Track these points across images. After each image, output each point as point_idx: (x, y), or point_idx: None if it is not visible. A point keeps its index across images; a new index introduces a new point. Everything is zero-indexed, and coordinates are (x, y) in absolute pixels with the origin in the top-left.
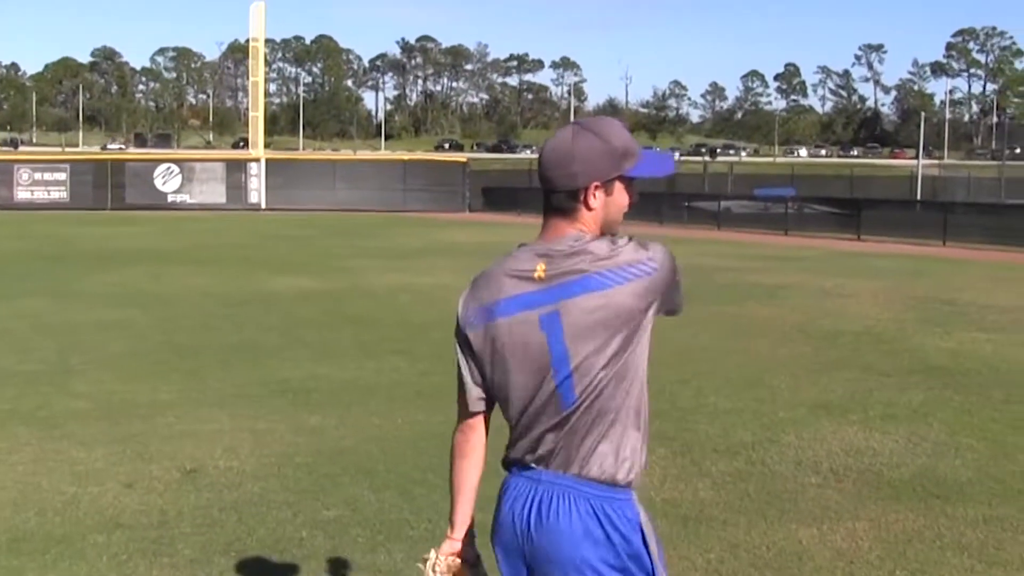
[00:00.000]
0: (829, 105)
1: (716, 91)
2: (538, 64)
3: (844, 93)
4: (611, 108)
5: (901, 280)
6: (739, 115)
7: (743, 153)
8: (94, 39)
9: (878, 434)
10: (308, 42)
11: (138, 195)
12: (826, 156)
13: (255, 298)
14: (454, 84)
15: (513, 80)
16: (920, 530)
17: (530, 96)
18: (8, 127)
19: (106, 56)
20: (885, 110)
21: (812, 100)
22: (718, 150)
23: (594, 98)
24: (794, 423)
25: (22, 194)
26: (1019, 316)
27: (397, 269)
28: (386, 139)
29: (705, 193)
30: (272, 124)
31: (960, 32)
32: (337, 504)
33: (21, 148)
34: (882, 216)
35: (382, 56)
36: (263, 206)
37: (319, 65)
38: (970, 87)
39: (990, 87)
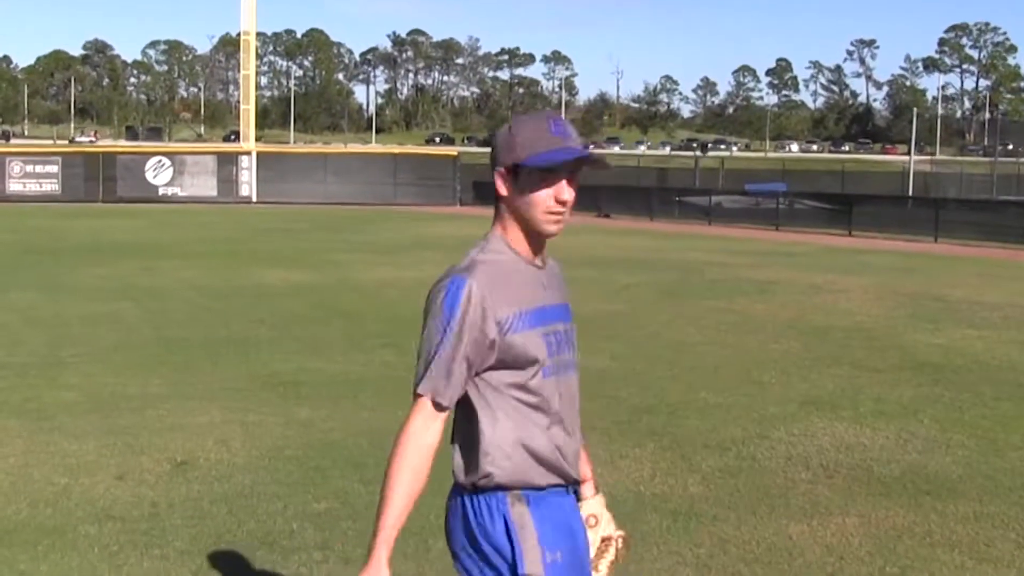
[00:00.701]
0: (821, 100)
1: (707, 86)
2: (529, 58)
3: (836, 88)
4: (602, 102)
5: (892, 276)
6: (730, 110)
7: (734, 148)
8: (86, 32)
9: (868, 430)
10: (299, 35)
11: (129, 188)
12: (817, 152)
13: (245, 291)
14: (445, 78)
15: (504, 74)
16: (910, 526)
17: (521, 90)
18: (1, 120)
19: (98, 49)
20: (877, 106)
21: (804, 95)
22: (709, 145)
23: (585, 92)
24: (784, 419)
25: (14, 186)
26: (1010, 313)
27: (387, 263)
28: (377, 133)
29: (696, 188)
30: (263, 117)
31: (953, 28)
32: (327, 496)
33: (13, 141)
34: (873, 212)
35: (373, 50)
36: (254, 199)
37: (310, 58)
38: (963, 83)
39: (983, 83)
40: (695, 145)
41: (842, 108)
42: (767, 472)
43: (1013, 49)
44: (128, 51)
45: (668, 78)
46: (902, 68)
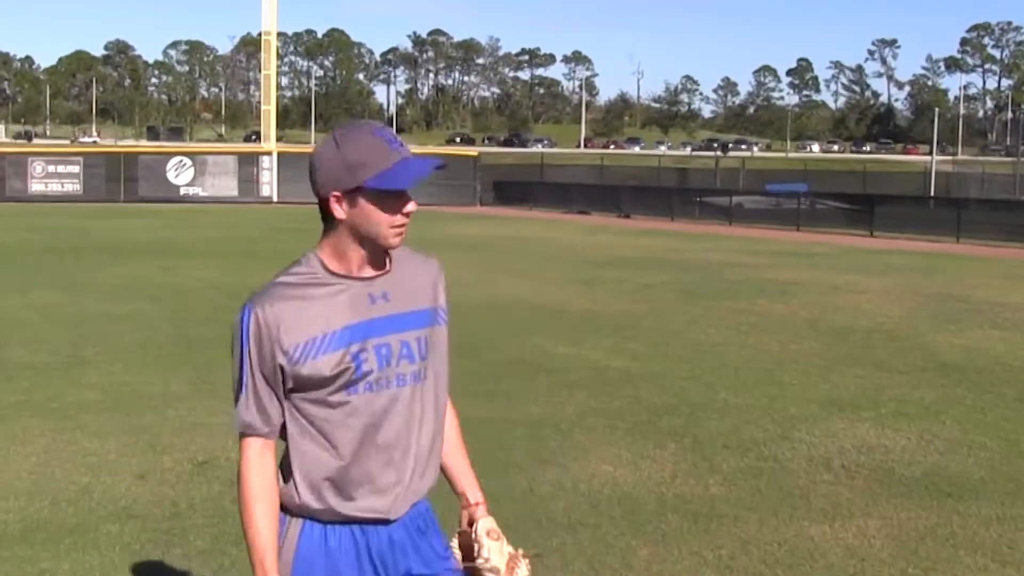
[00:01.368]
0: (842, 100)
1: (728, 86)
2: (550, 58)
3: (857, 88)
4: (623, 103)
5: (914, 277)
6: (751, 110)
7: (755, 148)
8: (107, 33)
9: (890, 431)
10: (320, 36)
11: (151, 188)
12: (839, 152)
13: None
14: (466, 78)
15: (525, 74)
16: (932, 528)
17: (542, 91)
18: (22, 120)
19: (119, 49)
20: (898, 105)
21: (825, 95)
22: (730, 145)
23: (605, 93)
24: (806, 420)
25: (36, 186)
26: None
27: None
28: (398, 133)
29: (717, 188)
30: (284, 117)
31: (975, 27)
32: None
33: (35, 141)
34: (895, 212)
35: (394, 50)
36: (275, 199)
37: (331, 59)
38: (984, 82)
39: (1005, 83)
40: (716, 145)
41: (863, 108)
42: (788, 473)
43: None
44: (149, 52)
45: (689, 78)
46: (924, 68)
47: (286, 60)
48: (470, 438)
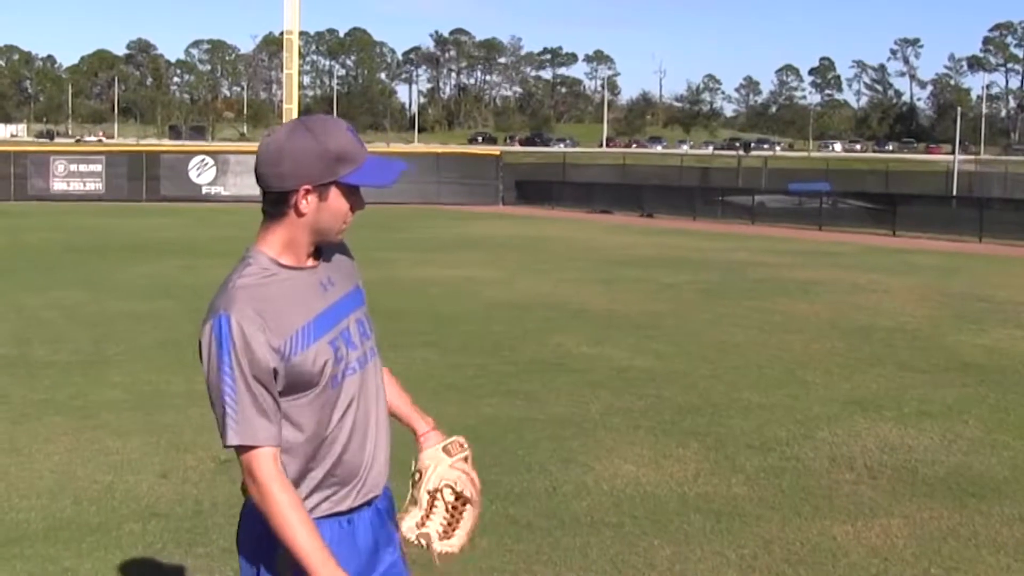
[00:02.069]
0: (864, 100)
1: (750, 85)
2: (572, 58)
3: (879, 87)
4: (645, 102)
5: (936, 276)
6: (773, 109)
7: (777, 148)
8: (129, 32)
9: (913, 431)
10: (342, 35)
11: (173, 187)
12: (861, 151)
13: None
14: (488, 77)
15: (547, 74)
16: (955, 528)
17: (563, 90)
18: (44, 119)
19: (141, 48)
20: (921, 105)
21: (847, 94)
22: (752, 144)
23: (627, 92)
24: (828, 419)
25: (58, 185)
26: None
27: (429, 262)
28: (419, 132)
29: (739, 187)
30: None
31: (997, 26)
32: None
33: (57, 140)
34: (917, 212)
35: (416, 49)
36: None
37: (353, 58)
38: (1007, 82)
39: None
40: (738, 144)
41: (886, 107)
42: (811, 473)
43: None
44: (171, 51)
45: (711, 77)
46: (946, 67)
47: (308, 59)
48: (493, 437)
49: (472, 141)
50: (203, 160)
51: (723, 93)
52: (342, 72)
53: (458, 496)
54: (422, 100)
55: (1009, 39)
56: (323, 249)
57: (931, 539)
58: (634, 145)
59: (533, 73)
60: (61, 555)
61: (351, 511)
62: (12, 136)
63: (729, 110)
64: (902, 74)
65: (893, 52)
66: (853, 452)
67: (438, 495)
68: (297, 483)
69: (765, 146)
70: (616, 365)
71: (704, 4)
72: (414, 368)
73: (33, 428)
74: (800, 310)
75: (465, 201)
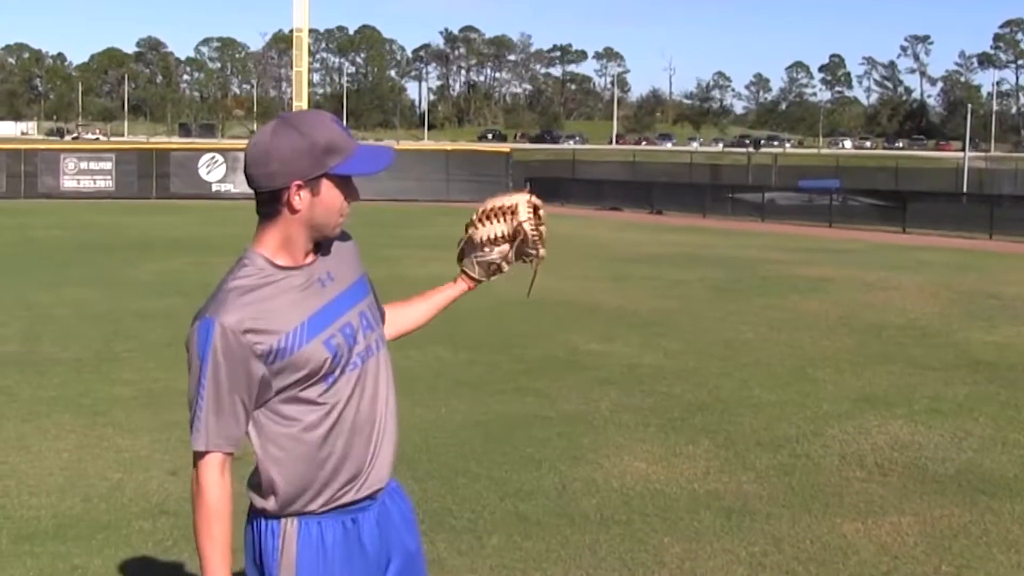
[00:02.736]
0: (874, 96)
1: (760, 82)
2: (581, 55)
3: (890, 84)
4: (654, 99)
5: (946, 273)
6: (783, 106)
7: (787, 144)
8: (139, 30)
9: (923, 428)
10: (351, 32)
11: (183, 184)
12: (871, 148)
13: None
14: (497, 75)
15: (556, 71)
16: (966, 525)
17: (573, 87)
18: (54, 117)
19: (151, 46)
20: (931, 102)
21: (857, 91)
22: (762, 141)
23: (637, 89)
24: (838, 416)
25: (68, 183)
26: None
27: (439, 259)
28: (429, 129)
29: (749, 185)
30: None
31: (1008, 23)
32: None
33: (67, 137)
34: (927, 209)
35: (425, 46)
36: None
37: (362, 55)
38: (1018, 78)
39: None
40: (748, 142)
41: (896, 104)
42: (821, 470)
43: None
44: (181, 48)
45: (721, 74)
46: (956, 64)
47: (318, 57)
48: (503, 435)
49: (482, 138)
50: (213, 158)
51: (733, 90)
52: (352, 70)
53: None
54: (432, 97)
55: (1020, 36)
56: (322, 243)
57: (942, 537)
58: (644, 142)
59: (543, 70)
60: (71, 552)
61: (354, 504)
62: (23, 134)
63: (739, 107)
64: (912, 71)
65: (903, 49)
66: (863, 449)
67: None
68: (303, 486)
69: (775, 143)
70: (626, 362)
71: (714, 1)
72: (425, 365)
73: (43, 425)
74: (810, 307)
75: (475, 198)
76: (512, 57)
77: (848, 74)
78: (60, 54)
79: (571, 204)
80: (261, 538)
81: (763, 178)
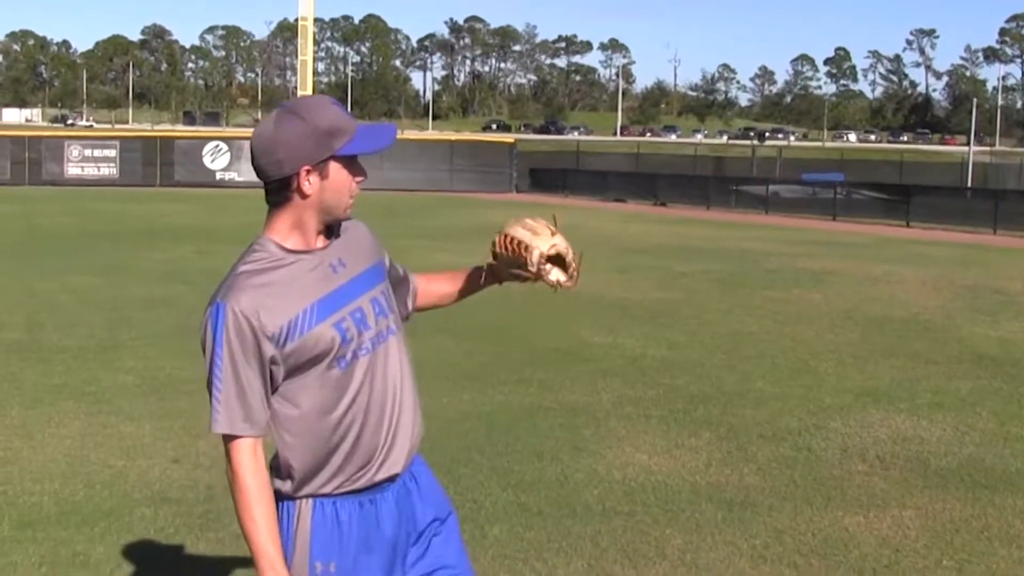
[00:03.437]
0: (879, 90)
1: (765, 75)
2: (586, 46)
3: (895, 78)
4: (659, 91)
5: (950, 268)
6: (788, 99)
7: (792, 137)
8: (144, 17)
9: (926, 422)
10: (356, 21)
11: (187, 172)
12: (876, 142)
13: None
14: (502, 65)
15: (561, 62)
16: (968, 520)
17: (578, 78)
18: (59, 104)
19: (156, 34)
20: (936, 96)
21: (862, 85)
22: (767, 134)
23: (642, 81)
24: (841, 410)
25: (72, 170)
26: None
27: (443, 249)
28: (434, 119)
29: (753, 177)
30: None
31: (1014, 17)
32: None
33: (74, 124)
34: (932, 203)
35: (430, 36)
36: None
37: (367, 45)
38: (1023, 73)
39: None
40: (752, 134)
41: (901, 98)
42: (823, 463)
43: None
44: (186, 36)
45: (726, 66)
46: (962, 58)
47: (323, 46)
48: (505, 425)
49: (486, 129)
50: (217, 146)
51: (738, 83)
52: (356, 59)
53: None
54: (436, 87)
55: None
56: (336, 230)
57: (943, 531)
58: (648, 134)
59: (548, 61)
60: (73, 539)
61: (370, 488)
62: (27, 120)
63: (744, 100)
64: (918, 65)
65: (909, 43)
66: (865, 443)
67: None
68: (315, 469)
69: (780, 136)
70: (629, 354)
71: None
72: (429, 355)
73: (46, 413)
74: (814, 300)
75: (479, 189)
76: (517, 47)
77: (853, 67)
78: (65, 41)
79: (575, 195)
80: (279, 519)
81: (767, 171)
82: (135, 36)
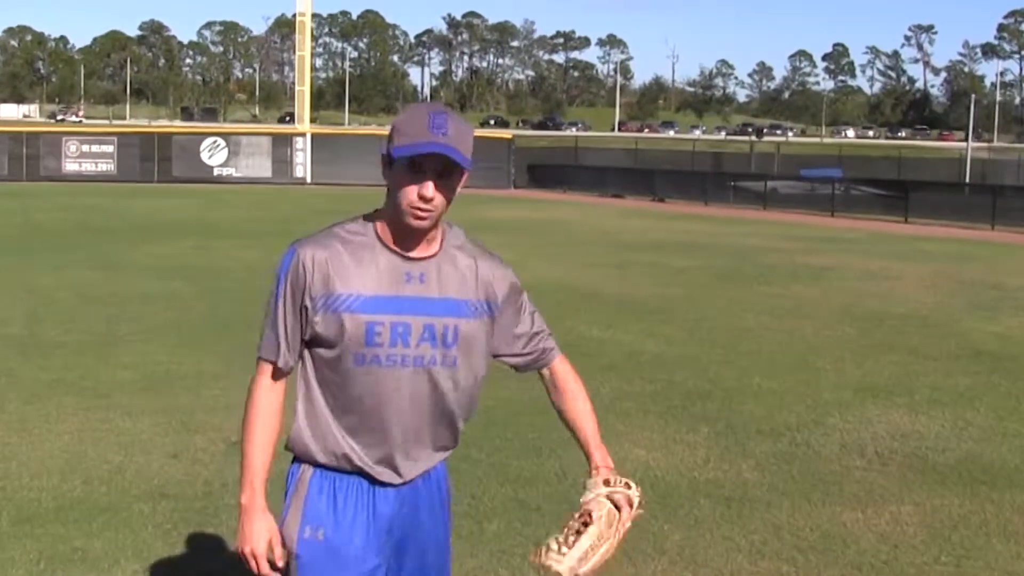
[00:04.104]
0: (878, 86)
1: (763, 71)
2: (584, 42)
3: (893, 74)
4: (657, 87)
5: (948, 264)
6: (786, 95)
7: (790, 133)
8: (142, 13)
9: (924, 418)
10: (354, 17)
11: (185, 168)
12: (874, 137)
13: None
14: (500, 61)
15: (559, 57)
16: (966, 515)
17: (576, 74)
18: (56, 100)
19: (154, 30)
20: (934, 92)
21: (860, 81)
22: (765, 130)
23: (640, 76)
24: (839, 405)
25: (70, 166)
26: None
27: None
28: None
29: (751, 173)
30: (318, 99)
31: (1012, 13)
32: None
33: (63, 120)
34: (930, 199)
35: (428, 32)
36: (308, 180)
37: (365, 40)
38: (1021, 69)
39: None
40: (750, 130)
41: (899, 94)
42: (821, 459)
43: None
44: (184, 32)
45: (724, 62)
46: (960, 54)
47: (321, 41)
48: (504, 420)
49: (484, 124)
50: (215, 142)
51: (736, 78)
52: (354, 54)
53: (585, 515)
54: (434, 83)
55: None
56: (449, 252)
57: (941, 526)
58: (646, 130)
59: (546, 57)
60: (71, 534)
61: (370, 479)
62: (25, 116)
63: (742, 95)
64: (916, 61)
65: (907, 38)
66: (864, 439)
67: (573, 516)
68: (312, 439)
69: (778, 132)
70: (627, 349)
71: None
72: None
73: (44, 408)
74: (812, 296)
75: (477, 185)
76: (515, 43)
77: (852, 63)
78: (63, 37)
79: (573, 191)
80: (286, 476)
81: (765, 166)
82: (133, 32)
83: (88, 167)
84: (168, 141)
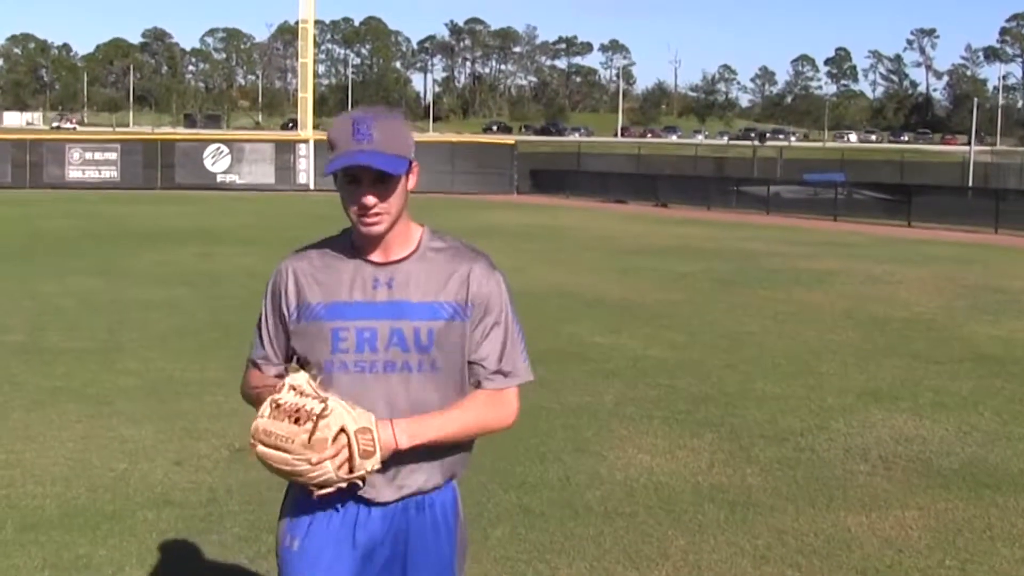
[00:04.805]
0: (880, 90)
1: (766, 75)
2: (587, 47)
3: (895, 78)
4: (660, 91)
5: (951, 267)
6: (789, 100)
7: (792, 138)
8: (145, 20)
9: (928, 422)
10: (357, 24)
11: (188, 175)
12: (876, 142)
13: None
14: (503, 66)
15: (562, 63)
16: (970, 519)
17: (578, 79)
18: (59, 107)
19: (157, 37)
20: (937, 95)
21: (863, 85)
22: (767, 135)
23: (643, 82)
24: (843, 410)
25: (73, 173)
26: None
27: None
28: (434, 121)
29: (754, 178)
30: (321, 105)
31: (1015, 16)
32: None
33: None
34: (933, 203)
35: (431, 38)
36: (312, 187)
37: (368, 47)
38: None
39: None
40: (753, 135)
41: (901, 98)
42: (825, 463)
43: None
44: (187, 39)
45: (726, 67)
46: (963, 57)
47: (323, 48)
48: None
49: (487, 130)
50: (218, 148)
51: (738, 83)
52: (357, 61)
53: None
54: (437, 89)
55: None
56: (422, 255)
57: (946, 531)
58: (649, 135)
59: (548, 62)
60: (76, 542)
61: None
62: (28, 124)
63: (744, 100)
64: (918, 65)
65: (909, 42)
66: (868, 443)
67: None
68: None
69: (780, 136)
70: (631, 355)
71: None
72: None
73: (47, 415)
74: (815, 300)
75: (480, 190)
76: (517, 49)
77: (854, 67)
78: (66, 44)
79: (576, 196)
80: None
81: (768, 171)
82: (136, 39)
83: (91, 174)
84: (171, 148)
